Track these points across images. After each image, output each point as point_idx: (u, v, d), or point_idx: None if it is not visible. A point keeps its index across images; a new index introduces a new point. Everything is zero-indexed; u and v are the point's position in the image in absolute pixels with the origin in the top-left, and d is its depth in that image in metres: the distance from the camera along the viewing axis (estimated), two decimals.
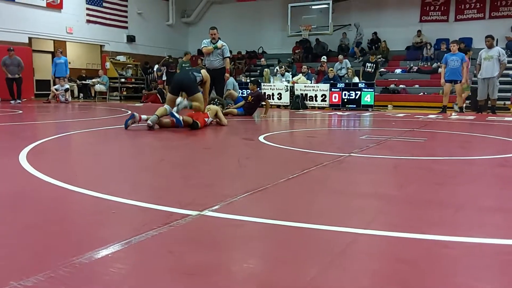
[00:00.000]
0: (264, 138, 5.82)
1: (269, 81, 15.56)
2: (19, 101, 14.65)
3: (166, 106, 6.93)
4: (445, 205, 2.67)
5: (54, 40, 18.35)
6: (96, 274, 1.62)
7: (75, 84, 18.35)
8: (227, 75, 10.23)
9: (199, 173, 3.63)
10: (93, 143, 5.58)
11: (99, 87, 17.93)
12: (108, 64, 18.61)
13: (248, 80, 17.14)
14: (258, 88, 11.36)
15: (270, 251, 1.92)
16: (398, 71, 17.25)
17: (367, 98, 13.58)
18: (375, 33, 18.54)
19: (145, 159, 4.39)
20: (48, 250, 1.86)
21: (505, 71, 12.62)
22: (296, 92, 14.28)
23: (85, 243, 1.93)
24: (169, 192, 2.93)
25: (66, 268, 1.63)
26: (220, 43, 9.99)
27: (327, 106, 13.96)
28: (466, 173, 3.78)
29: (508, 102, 13.37)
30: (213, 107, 7.53)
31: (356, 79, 14.93)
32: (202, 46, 10.11)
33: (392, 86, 16.10)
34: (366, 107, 13.48)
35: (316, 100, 14.10)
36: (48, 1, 16.55)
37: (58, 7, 16.94)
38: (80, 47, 19.63)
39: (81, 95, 18.52)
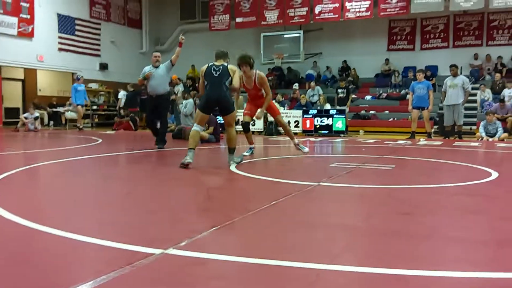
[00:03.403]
0: (235, 166, 5.82)
1: (243, 108, 15.62)
2: None
3: (196, 127, 6.05)
4: (408, 237, 2.71)
5: (24, 68, 18.13)
6: None
7: (45, 111, 18.08)
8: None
9: (165, 207, 3.60)
10: (60, 176, 5.48)
11: (70, 115, 17.70)
12: None
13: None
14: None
15: None
16: (368, 97, 17.63)
17: (339, 124, 13.79)
18: (345, 61, 18.96)
19: (111, 193, 4.33)
20: None
21: (472, 97, 13.06)
22: (270, 118, 14.40)
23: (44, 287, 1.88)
24: (133, 228, 2.90)
25: None
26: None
27: (300, 132, 14.11)
28: (431, 203, 3.85)
29: (474, 127, 13.77)
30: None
31: (328, 106, 15.16)
32: (146, 72, 8.42)
33: (363, 112, 16.41)
34: (338, 133, 13.68)
35: (289, 126, 14.21)
36: (19, 30, 16.41)
37: (29, 35, 16.78)
38: (51, 74, 19.43)
39: (52, 122, 18.23)
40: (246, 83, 6.95)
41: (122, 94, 17.91)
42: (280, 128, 14.21)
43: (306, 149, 7.42)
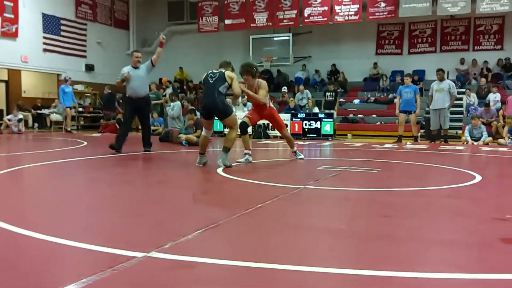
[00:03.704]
0: (222, 170, 5.81)
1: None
2: None
3: (204, 133, 6.38)
4: (392, 239, 2.72)
5: (8, 69, 17.92)
6: None
7: (29, 113, 17.88)
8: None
9: (149, 210, 3.57)
10: (43, 179, 5.42)
11: (55, 117, 17.54)
12: None
13: None
14: (198, 117, 10.94)
15: None
16: (356, 101, 17.71)
17: (327, 127, 13.84)
18: (333, 64, 19.05)
19: (94, 196, 4.28)
20: None
21: (458, 102, 13.20)
22: (259, 122, 14.39)
23: None
24: (116, 232, 2.87)
25: None
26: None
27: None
28: (414, 205, 3.88)
29: (460, 131, 13.91)
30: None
31: (316, 109, 15.21)
32: (124, 74, 7.92)
33: (351, 115, 16.48)
34: (326, 136, 13.72)
35: None
36: (3, 30, 16.20)
37: (13, 35, 16.57)
38: (35, 76, 19.20)
39: (36, 125, 18.03)
40: None
41: (117, 96, 17.86)
42: (269, 131, 14.24)
43: (301, 156, 7.38)
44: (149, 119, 8.82)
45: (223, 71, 6.19)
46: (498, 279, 2.09)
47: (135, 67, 8.03)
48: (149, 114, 8.87)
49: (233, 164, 6.20)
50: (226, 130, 13.57)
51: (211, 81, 6.08)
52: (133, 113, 8.28)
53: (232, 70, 6.40)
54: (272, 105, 7.23)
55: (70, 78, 16.31)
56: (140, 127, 9.34)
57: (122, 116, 16.24)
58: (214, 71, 6.22)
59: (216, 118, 6.41)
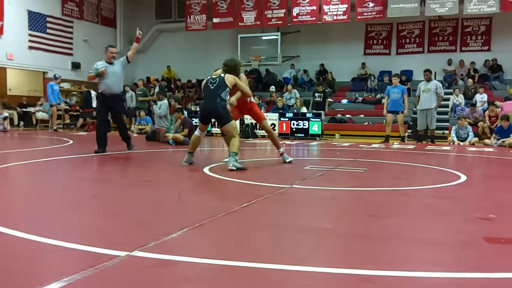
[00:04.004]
0: (209, 169, 5.78)
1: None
2: None
3: (197, 132, 6.37)
4: (375, 238, 2.73)
5: None
6: None
7: (15, 111, 17.65)
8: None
9: (133, 209, 3.53)
10: (27, 178, 5.35)
11: (40, 115, 17.35)
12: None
13: (198, 109, 17.16)
14: (185, 116, 10.88)
15: None
16: (344, 101, 17.78)
17: (315, 127, 13.87)
18: (322, 64, 19.09)
19: (78, 195, 4.22)
20: None
21: (445, 102, 13.31)
22: (246, 121, 14.38)
23: None
24: (99, 231, 2.84)
25: None
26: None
27: (277, 135, 14.09)
28: (399, 205, 3.90)
29: (446, 132, 14.03)
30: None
31: (304, 109, 15.23)
32: (99, 69, 7.53)
33: (339, 115, 16.53)
34: (314, 136, 13.75)
35: None
36: None
37: None
38: (21, 73, 18.95)
39: (22, 123, 17.82)
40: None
41: (93, 95, 17.71)
42: (257, 131, 14.24)
43: (290, 159, 6.90)
44: (123, 115, 8.36)
45: (222, 75, 6.14)
46: (481, 278, 2.10)
47: (110, 63, 7.67)
48: (122, 109, 8.33)
49: (245, 167, 5.88)
50: (215, 129, 13.57)
51: (212, 87, 6.04)
52: (106, 111, 7.86)
53: (235, 70, 6.40)
54: (252, 99, 7.06)
55: (60, 76, 16.15)
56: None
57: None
58: (214, 76, 6.17)
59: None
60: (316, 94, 15.17)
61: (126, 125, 8.21)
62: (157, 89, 16.21)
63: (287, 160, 6.84)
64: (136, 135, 13.86)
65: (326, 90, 16.42)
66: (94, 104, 16.93)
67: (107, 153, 7.53)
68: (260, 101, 16.06)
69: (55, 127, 15.57)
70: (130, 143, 8.04)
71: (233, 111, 6.97)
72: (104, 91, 7.63)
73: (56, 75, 16.19)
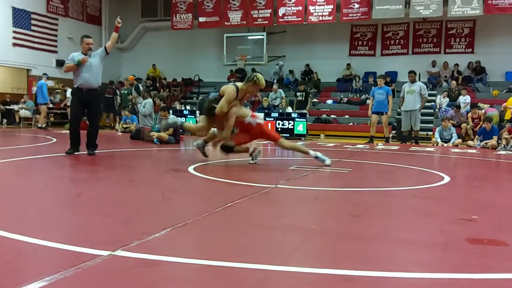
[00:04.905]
0: (194, 168, 5.76)
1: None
2: None
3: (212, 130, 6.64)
4: (358, 239, 2.74)
5: None
6: None
7: None
8: None
9: (117, 208, 3.50)
10: (9, 176, 5.27)
11: (24, 113, 17.11)
12: (34, 89, 17.81)
13: (183, 108, 17.08)
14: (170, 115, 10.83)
15: None
16: (329, 101, 17.86)
17: (300, 127, 13.91)
18: (307, 65, 19.15)
19: (61, 194, 4.18)
20: None
21: (428, 103, 13.45)
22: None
23: None
24: (81, 230, 2.80)
25: None
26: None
27: (300, 143, 14.06)
28: (383, 205, 3.92)
29: (430, 133, 14.18)
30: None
31: (289, 109, 15.27)
32: (75, 60, 6.95)
33: (324, 116, 16.61)
34: (299, 136, 13.78)
35: None
36: None
37: None
38: (4, 71, 18.66)
39: (5, 120, 17.55)
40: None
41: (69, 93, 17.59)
42: None
43: (328, 161, 6.42)
44: (98, 117, 7.76)
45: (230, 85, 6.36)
46: (463, 278, 2.12)
47: (86, 55, 7.01)
48: (99, 110, 7.64)
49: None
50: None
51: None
52: (81, 108, 7.15)
53: (252, 81, 6.31)
54: (258, 121, 6.58)
55: (47, 75, 15.97)
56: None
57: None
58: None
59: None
60: (298, 94, 15.26)
61: (98, 129, 7.42)
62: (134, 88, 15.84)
63: (326, 162, 6.39)
64: (121, 133, 13.76)
65: (310, 90, 16.47)
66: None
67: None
68: (245, 101, 16.05)
69: (44, 125, 15.38)
70: (94, 150, 7.19)
71: (239, 137, 6.57)
72: (81, 85, 7.01)
73: (44, 74, 16.04)
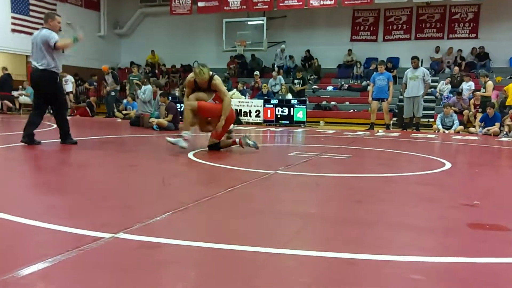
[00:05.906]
0: (193, 154, 5.75)
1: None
2: None
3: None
4: (359, 223, 2.74)
5: None
6: None
7: None
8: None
9: (118, 192, 3.52)
10: (11, 160, 5.27)
11: (23, 99, 17.07)
12: None
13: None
14: (170, 100, 10.73)
15: (184, 274, 1.88)
16: (329, 88, 17.77)
17: (300, 114, 13.86)
18: (308, 50, 19.02)
19: (64, 178, 4.19)
20: None
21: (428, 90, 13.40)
22: (234, 108, 14.30)
23: None
24: (84, 213, 2.80)
25: None
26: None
27: (261, 121, 14.09)
28: (384, 191, 3.92)
29: (432, 120, 14.15)
30: None
31: (289, 96, 15.22)
32: (73, 37, 6.47)
33: (324, 103, 16.55)
34: (299, 123, 13.75)
35: (250, 116, 14.21)
36: None
37: None
38: (3, 57, 18.57)
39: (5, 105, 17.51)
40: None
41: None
42: (241, 117, 14.16)
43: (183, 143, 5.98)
44: (63, 103, 7.23)
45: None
46: (464, 262, 2.12)
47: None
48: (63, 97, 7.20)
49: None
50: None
51: None
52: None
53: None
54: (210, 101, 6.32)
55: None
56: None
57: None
58: None
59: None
60: (296, 81, 15.20)
61: (67, 121, 6.93)
62: (109, 77, 15.59)
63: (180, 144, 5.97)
64: (120, 120, 13.73)
65: (311, 76, 16.37)
66: (69, 89, 16.67)
67: (92, 137, 7.40)
68: (244, 87, 15.99)
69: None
70: (70, 140, 6.69)
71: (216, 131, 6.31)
72: (58, 69, 6.40)
73: None
